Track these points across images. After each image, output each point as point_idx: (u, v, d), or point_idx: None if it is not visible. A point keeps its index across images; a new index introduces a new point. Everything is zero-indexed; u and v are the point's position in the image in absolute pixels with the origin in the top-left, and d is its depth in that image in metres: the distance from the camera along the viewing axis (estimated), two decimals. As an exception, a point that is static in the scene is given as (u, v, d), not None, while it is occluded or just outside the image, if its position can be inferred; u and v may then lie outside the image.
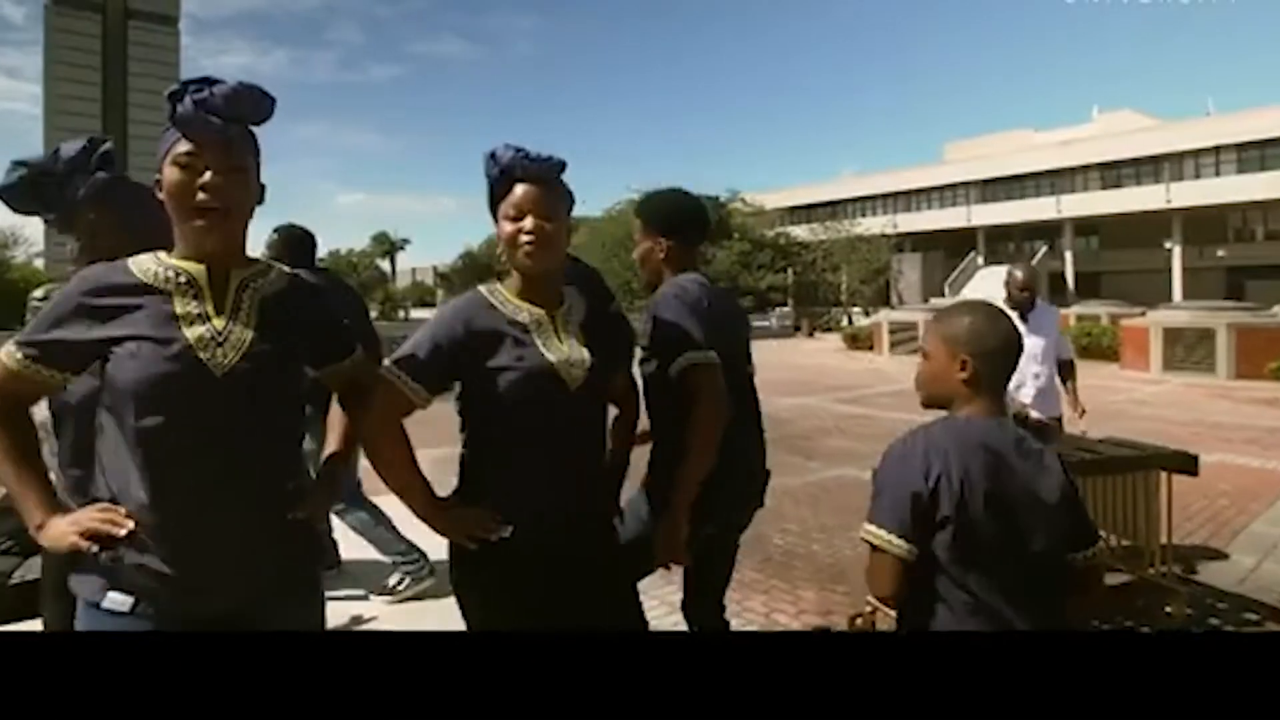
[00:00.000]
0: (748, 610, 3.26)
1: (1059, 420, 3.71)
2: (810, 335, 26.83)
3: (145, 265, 1.22)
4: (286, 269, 1.36)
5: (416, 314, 51.58)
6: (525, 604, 1.46)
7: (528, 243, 1.48)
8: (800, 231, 40.26)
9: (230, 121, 1.18)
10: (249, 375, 1.20)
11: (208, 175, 1.16)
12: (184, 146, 1.17)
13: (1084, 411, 3.78)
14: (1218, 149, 32.44)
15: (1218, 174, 32.83)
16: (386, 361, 1.49)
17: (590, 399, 1.56)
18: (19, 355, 1.18)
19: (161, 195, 1.20)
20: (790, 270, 37.51)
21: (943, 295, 34.36)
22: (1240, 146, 31.73)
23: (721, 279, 35.19)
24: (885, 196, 44.53)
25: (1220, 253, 34.78)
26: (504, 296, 1.55)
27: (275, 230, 3.26)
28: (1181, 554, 3.51)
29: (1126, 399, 9.66)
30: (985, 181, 40.41)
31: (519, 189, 1.50)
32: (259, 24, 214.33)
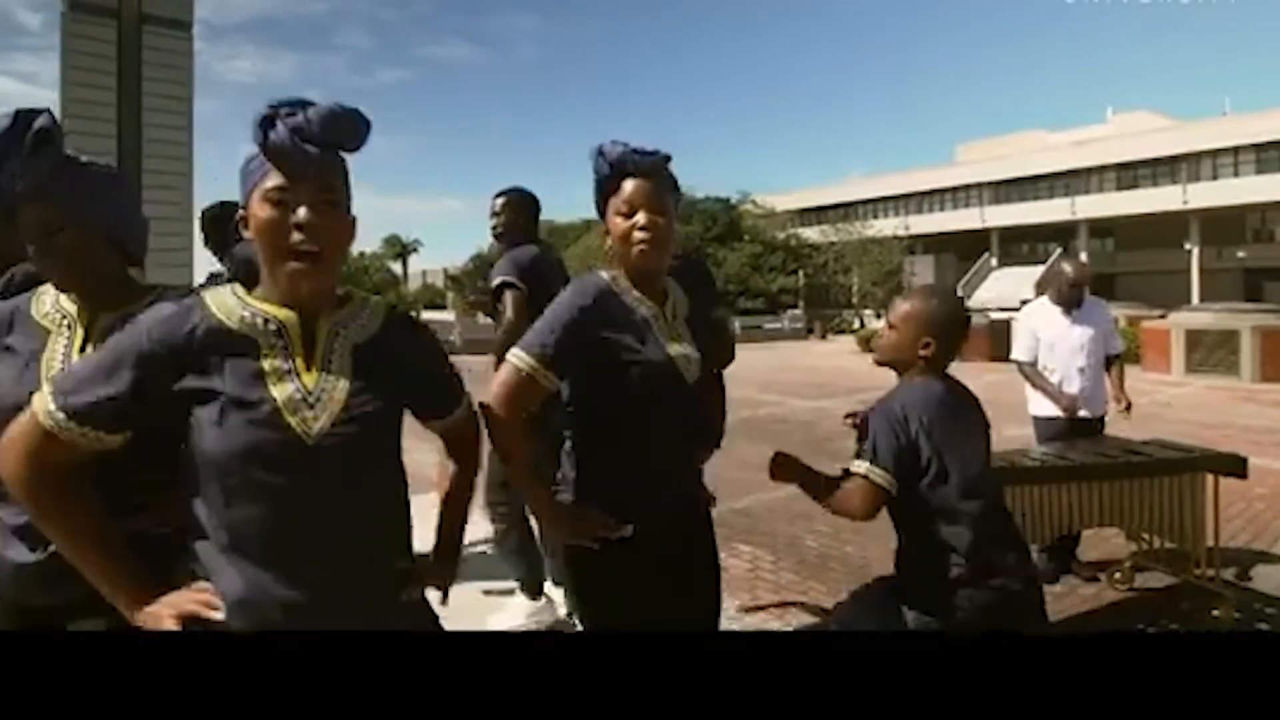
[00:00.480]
0: (788, 613, 3.24)
1: (1102, 419, 3.62)
2: (823, 338, 26.73)
3: (228, 307, 1.07)
4: (380, 301, 1.22)
5: (427, 315, 51.68)
6: (645, 599, 1.46)
7: (641, 239, 1.47)
8: (811, 233, 40.14)
9: (326, 149, 1.05)
10: (343, 440, 1.05)
11: (303, 213, 1.03)
12: (275, 180, 1.03)
13: (1129, 405, 3.63)
14: (1236, 149, 32.11)
15: (1236, 174, 32.49)
16: (516, 349, 1.46)
17: (700, 394, 1.56)
18: (59, 415, 0.99)
19: (248, 233, 1.07)
20: (801, 272, 37.42)
21: (956, 297, 34.13)
22: (1259, 147, 31.35)
23: (733, 281, 35.22)
24: (897, 198, 44.33)
25: (1240, 254, 34.41)
26: (625, 285, 1.52)
27: (205, 210, 2.87)
28: (1227, 558, 3.46)
29: (1150, 401, 9.55)
30: (998, 183, 40.16)
31: (629, 184, 1.48)
32: (269, 29, 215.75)
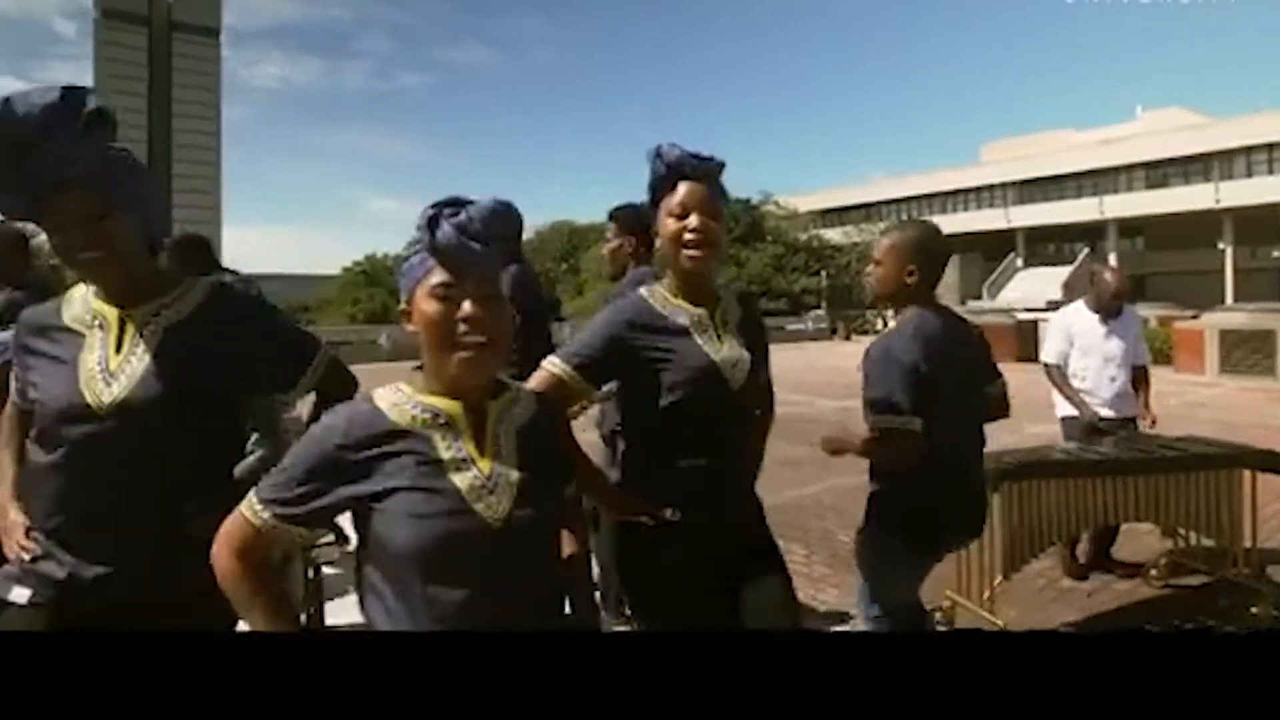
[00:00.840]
0: (822, 605, 3.28)
1: (1134, 421, 3.63)
2: (847, 338, 26.55)
3: (397, 405, 1.10)
4: (527, 388, 1.28)
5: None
6: (696, 606, 1.49)
7: (692, 241, 1.50)
8: (834, 234, 39.87)
9: (486, 244, 1.07)
10: (525, 523, 1.08)
11: (468, 307, 1.05)
12: (441, 276, 1.06)
13: (1154, 420, 3.68)
14: (1270, 146, 31.42)
15: (1270, 172, 31.76)
16: (553, 356, 1.52)
17: (749, 398, 1.58)
18: (265, 515, 1.08)
19: (411, 327, 1.10)
20: (824, 273, 37.18)
21: (979, 298, 33.76)
22: (1293, 143, 30.66)
23: (754, 282, 35.05)
24: (921, 198, 43.91)
25: (1275, 253, 33.59)
26: (663, 298, 1.57)
27: (170, 243, 3.17)
28: (1264, 556, 3.43)
29: (1182, 402, 9.41)
30: (1024, 182, 39.65)
31: (684, 187, 1.51)
32: (293, 35, 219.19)
